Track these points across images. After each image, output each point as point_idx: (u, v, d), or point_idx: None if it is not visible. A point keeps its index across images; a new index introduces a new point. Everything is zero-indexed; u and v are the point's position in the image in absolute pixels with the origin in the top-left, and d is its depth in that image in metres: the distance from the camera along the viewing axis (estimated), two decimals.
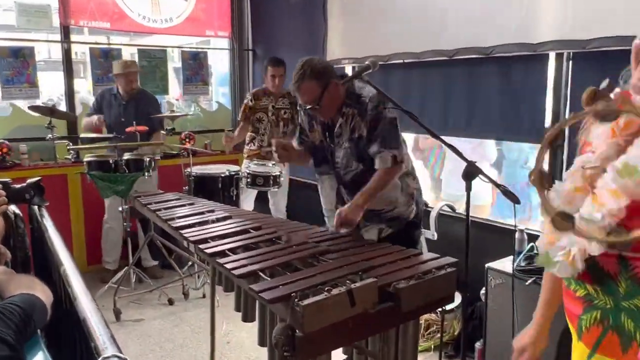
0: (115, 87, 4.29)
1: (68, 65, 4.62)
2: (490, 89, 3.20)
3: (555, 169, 2.85)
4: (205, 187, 3.97)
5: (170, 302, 3.94)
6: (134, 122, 3.91)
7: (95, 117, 4.10)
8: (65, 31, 4.57)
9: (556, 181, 1.15)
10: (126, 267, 3.95)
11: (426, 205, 2.69)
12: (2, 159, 4.20)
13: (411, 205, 2.45)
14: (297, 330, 1.45)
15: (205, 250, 2.02)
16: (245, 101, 4.43)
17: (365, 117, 2.26)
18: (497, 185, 1.86)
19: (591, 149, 1.15)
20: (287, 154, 2.50)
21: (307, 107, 2.28)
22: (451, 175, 4.89)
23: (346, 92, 2.31)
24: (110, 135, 3.70)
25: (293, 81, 2.25)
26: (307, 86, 2.21)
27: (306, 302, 1.45)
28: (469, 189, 1.82)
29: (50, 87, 5.83)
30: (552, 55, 2.86)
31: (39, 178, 2.18)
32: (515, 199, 1.84)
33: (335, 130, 2.37)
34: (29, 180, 2.15)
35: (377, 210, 2.43)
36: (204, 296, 4.06)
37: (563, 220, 1.03)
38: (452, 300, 1.84)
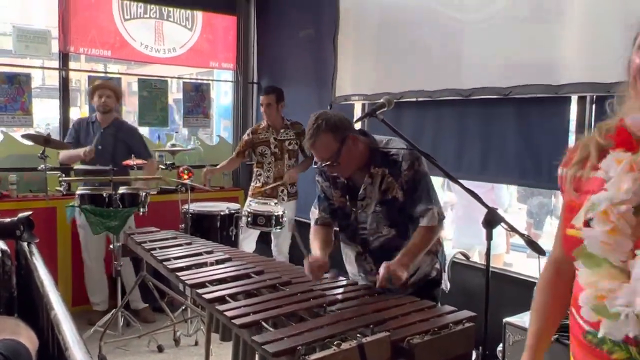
0: (94, 115, 4.30)
1: (65, 93, 4.67)
2: (507, 131, 3.21)
3: None
4: (203, 226, 3.95)
5: (160, 349, 3.85)
6: (112, 150, 3.96)
7: (81, 151, 4.07)
8: (64, 58, 4.65)
9: (583, 228, 1.10)
10: (114, 310, 3.89)
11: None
12: None
13: (434, 261, 2.38)
14: None
15: (204, 296, 1.99)
16: (244, 135, 4.48)
17: (400, 177, 2.18)
18: (521, 235, 1.84)
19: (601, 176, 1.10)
20: (322, 270, 2.19)
21: (324, 165, 2.17)
22: (462, 221, 4.86)
23: (369, 150, 2.23)
24: (107, 168, 3.69)
25: (307, 137, 2.17)
26: (322, 140, 2.12)
27: (313, 357, 1.42)
28: (489, 237, 1.79)
29: (42, 114, 5.86)
30: (574, 98, 2.87)
31: (30, 213, 2.17)
32: (539, 250, 1.81)
33: (359, 193, 2.26)
34: (19, 215, 2.14)
35: None
36: (196, 343, 3.97)
37: None
38: (470, 358, 1.80)
